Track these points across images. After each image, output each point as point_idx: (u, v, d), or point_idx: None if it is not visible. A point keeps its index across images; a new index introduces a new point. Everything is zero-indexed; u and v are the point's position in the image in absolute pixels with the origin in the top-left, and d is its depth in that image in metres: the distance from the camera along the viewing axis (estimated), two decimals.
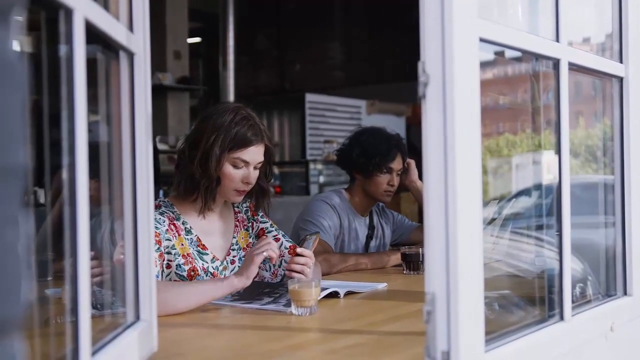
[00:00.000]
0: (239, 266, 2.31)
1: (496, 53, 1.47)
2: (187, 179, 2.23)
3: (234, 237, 2.37)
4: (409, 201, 6.28)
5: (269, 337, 1.70)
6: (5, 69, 0.56)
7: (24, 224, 0.59)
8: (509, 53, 1.57)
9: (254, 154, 2.23)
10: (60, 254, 1.07)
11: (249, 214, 2.44)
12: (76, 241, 1.00)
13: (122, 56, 1.34)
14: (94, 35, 1.10)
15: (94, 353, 1.08)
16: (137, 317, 1.38)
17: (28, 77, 0.61)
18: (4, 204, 0.56)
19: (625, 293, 1.81)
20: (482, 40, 1.25)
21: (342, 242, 3.02)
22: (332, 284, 2.24)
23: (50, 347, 1.19)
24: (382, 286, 2.38)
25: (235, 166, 2.21)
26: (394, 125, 6.42)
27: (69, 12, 0.99)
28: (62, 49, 1.01)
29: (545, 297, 1.59)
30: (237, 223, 2.40)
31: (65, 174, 1.01)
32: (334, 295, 2.14)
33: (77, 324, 1.01)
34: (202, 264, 2.23)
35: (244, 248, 2.38)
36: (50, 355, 1.13)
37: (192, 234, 2.25)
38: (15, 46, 0.59)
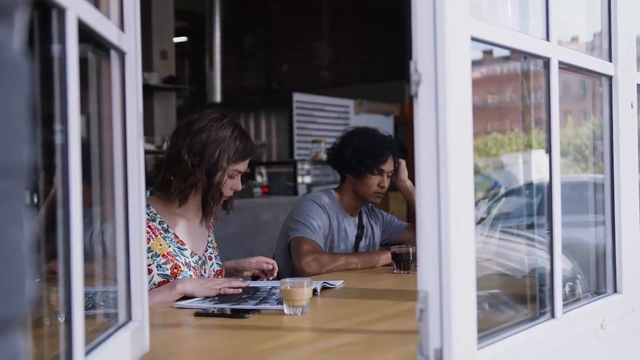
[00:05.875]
0: (216, 263, 2.42)
1: (484, 52, 1.47)
2: (189, 188, 2.26)
3: (209, 236, 2.45)
4: (397, 200, 6.29)
5: (261, 337, 1.69)
6: (10, 68, 0.56)
7: (28, 222, 0.59)
8: (497, 52, 1.57)
9: (247, 163, 2.34)
10: (48, 255, 1.07)
11: (212, 221, 2.51)
12: (69, 242, 1.00)
13: (113, 55, 1.33)
14: (84, 34, 1.09)
15: (86, 353, 1.08)
16: (129, 317, 1.37)
17: (30, 76, 0.61)
18: (9, 202, 0.56)
19: (615, 290, 1.82)
20: (473, 39, 1.25)
21: (332, 242, 3.02)
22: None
23: (41, 348, 1.18)
24: (339, 283, 2.38)
25: (231, 177, 2.30)
26: (382, 124, 6.42)
27: (61, 11, 0.98)
28: (55, 48, 1.00)
29: (536, 295, 1.60)
30: (210, 224, 2.48)
31: (57, 175, 1.00)
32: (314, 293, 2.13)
33: (71, 324, 1.00)
34: (184, 259, 2.28)
35: (215, 247, 2.47)
36: (44, 355, 1.13)
37: (170, 232, 2.29)
38: (18, 45, 0.59)
